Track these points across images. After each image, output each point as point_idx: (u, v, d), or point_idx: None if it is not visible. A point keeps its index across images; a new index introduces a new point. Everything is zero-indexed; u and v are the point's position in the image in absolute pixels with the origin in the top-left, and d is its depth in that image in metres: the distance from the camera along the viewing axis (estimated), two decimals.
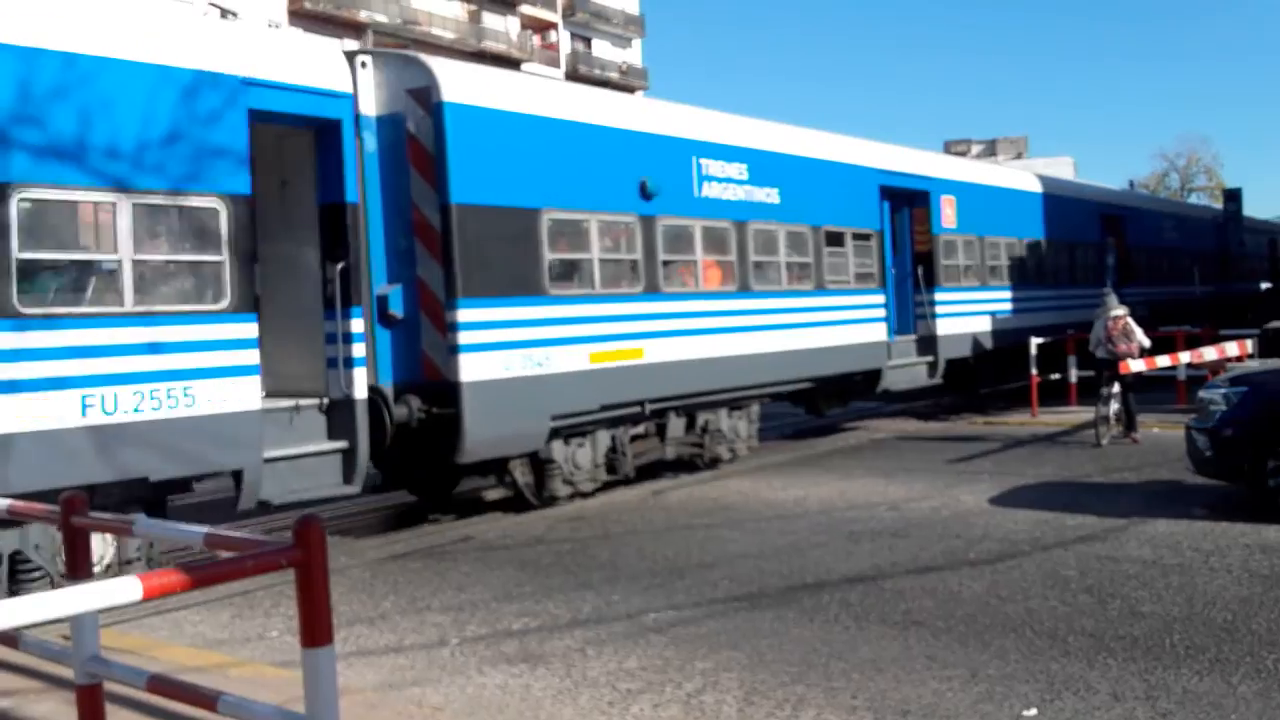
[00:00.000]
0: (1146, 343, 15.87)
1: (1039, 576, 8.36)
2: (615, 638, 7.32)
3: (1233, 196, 39.52)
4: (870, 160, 18.03)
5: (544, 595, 8.53)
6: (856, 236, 17.26)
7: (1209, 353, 16.97)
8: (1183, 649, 6.55)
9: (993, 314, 21.17)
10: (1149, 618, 7.19)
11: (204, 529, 4.36)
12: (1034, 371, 19.37)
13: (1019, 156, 79.05)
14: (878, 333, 17.55)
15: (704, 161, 14.34)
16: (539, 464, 12.27)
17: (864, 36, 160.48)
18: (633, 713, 5.94)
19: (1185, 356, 17.04)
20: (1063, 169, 56.42)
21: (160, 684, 4.62)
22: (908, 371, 18.70)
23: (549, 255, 11.95)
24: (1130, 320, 15.80)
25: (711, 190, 14.44)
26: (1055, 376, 20.14)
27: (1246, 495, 10.43)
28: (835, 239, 16.76)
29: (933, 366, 19.05)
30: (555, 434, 12.12)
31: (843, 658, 6.67)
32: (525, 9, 62.60)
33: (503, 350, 11.37)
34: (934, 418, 20.29)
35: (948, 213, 19.71)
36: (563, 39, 65.48)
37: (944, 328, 19.27)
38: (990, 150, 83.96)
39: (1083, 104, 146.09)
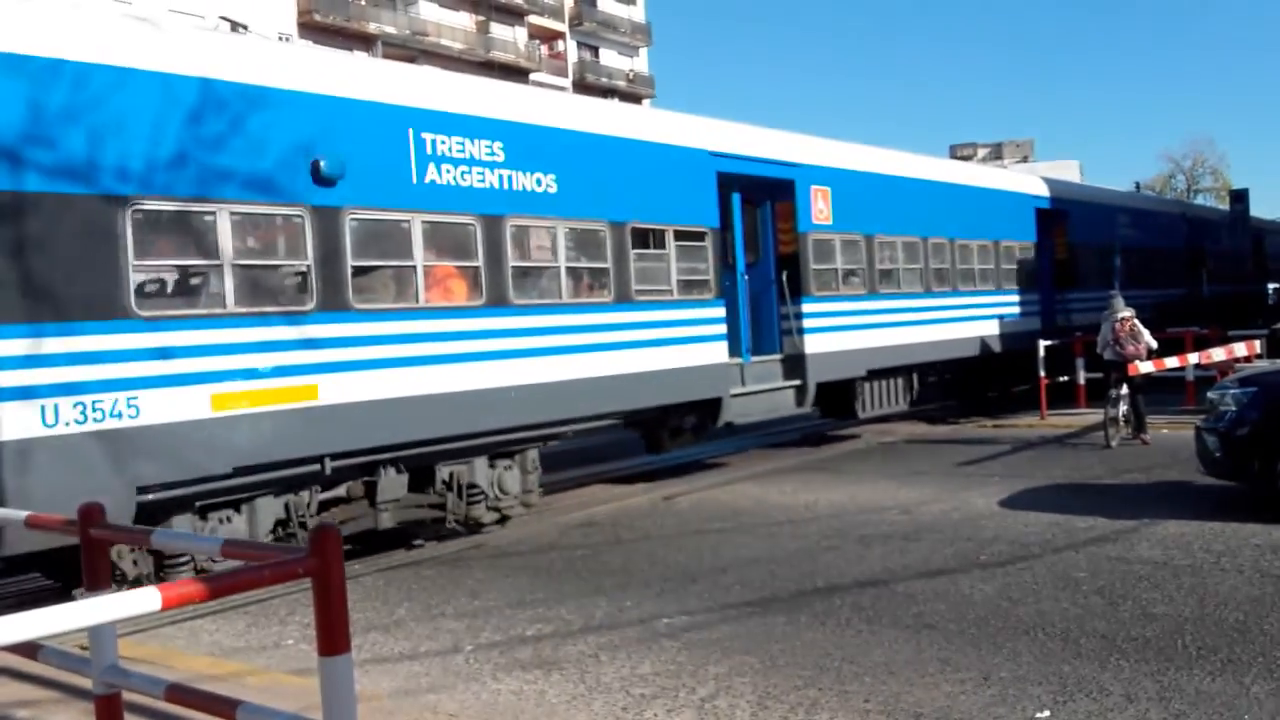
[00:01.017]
0: (1154, 344, 15.87)
1: (1050, 578, 8.38)
2: (628, 643, 7.35)
3: (1239, 197, 39.43)
4: (703, 140, 14.52)
5: (557, 601, 8.57)
6: (682, 235, 13.99)
7: (1217, 353, 16.95)
8: (1195, 650, 6.56)
9: (886, 326, 17.94)
10: (1161, 619, 7.20)
11: (220, 539, 4.41)
12: (1042, 373, 19.38)
13: (1025, 160, 79.05)
14: (714, 353, 14.34)
15: (430, 137, 10.86)
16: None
17: (870, 42, 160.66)
18: (646, 718, 5.97)
19: (1194, 358, 17.03)
20: (1069, 172, 56.41)
21: (179, 693, 4.65)
22: (763, 399, 15.45)
23: (135, 263, 8.61)
24: (1137, 322, 15.81)
25: (444, 175, 10.96)
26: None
27: (1257, 495, 10.42)
28: (646, 239, 13.70)
29: (800, 391, 15.86)
30: (171, 508, 8.98)
31: (855, 661, 6.70)
32: (533, 19, 62.85)
33: (48, 397, 8.04)
34: (942, 421, 20.28)
35: (820, 206, 16.49)
36: (570, 48, 65.65)
37: (814, 345, 16.05)
38: (996, 154, 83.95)
39: (1089, 108, 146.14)
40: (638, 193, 13.37)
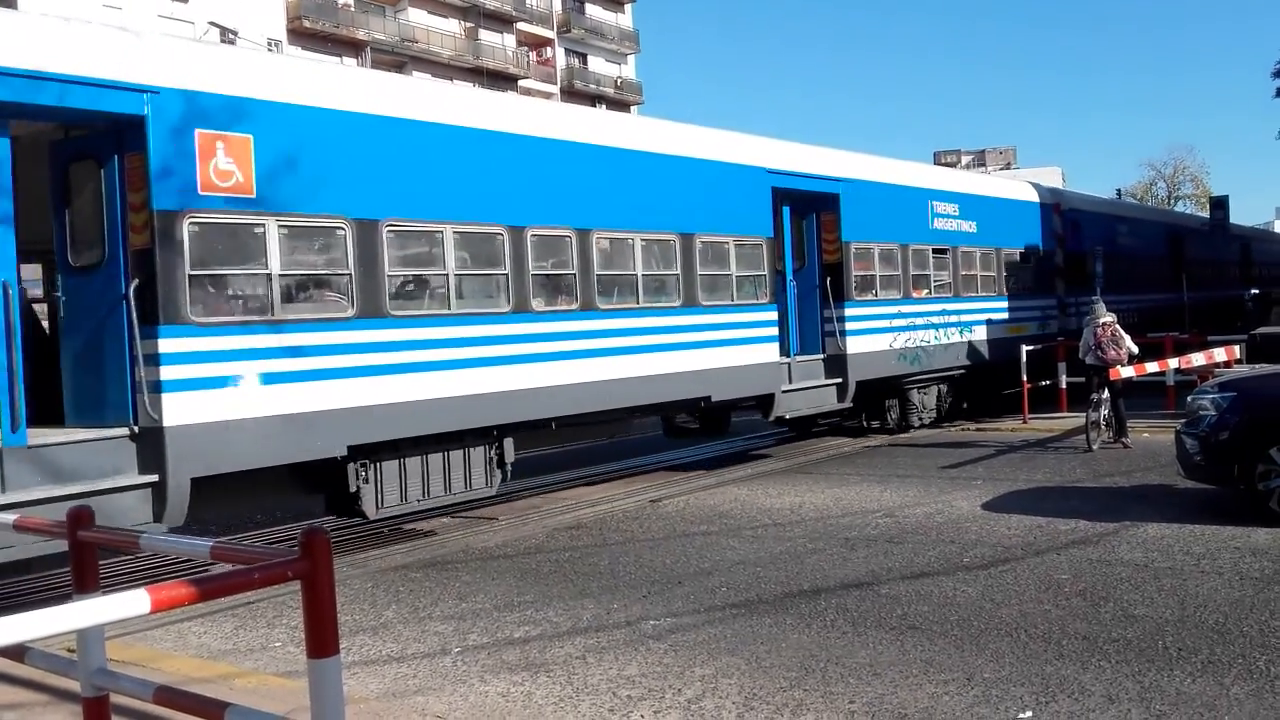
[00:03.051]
0: (1135, 349, 15.99)
1: (1032, 580, 8.45)
2: (615, 645, 7.39)
3: (1219, 204, 39.64)
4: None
5: (544, 604, 8.60)
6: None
7: (1197, 358, 17.09)
8: (1175, 651, 6.63)
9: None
10: (1142, 620, 7.28)
11: (210, 541, 4.43)
12: (1024, 378, 19.51)
13: (1007, 166, 79.46)
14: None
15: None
16: None
17: (855, 50, 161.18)
18: (633, 719, 6.01)
19: (1174, 362, 17.17)
20: (1051, 178, 56.58)
21: (167, 695, 4.67)
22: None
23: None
24: (1119, 327, 15.93)
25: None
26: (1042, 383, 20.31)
27: (1236, 499, 10.53)
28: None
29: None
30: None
31: (840, 662, 6.75)
32: (521, 26, 62.88)
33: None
34: (926, 425, 20.37)
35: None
36: (558, 55, 65.69)
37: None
38: (979, 160, 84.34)
39: (1071, 115, 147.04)
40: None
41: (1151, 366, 16.62)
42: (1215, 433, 10.46)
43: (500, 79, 55.78)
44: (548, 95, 56.26)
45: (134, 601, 3.63)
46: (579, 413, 13.31)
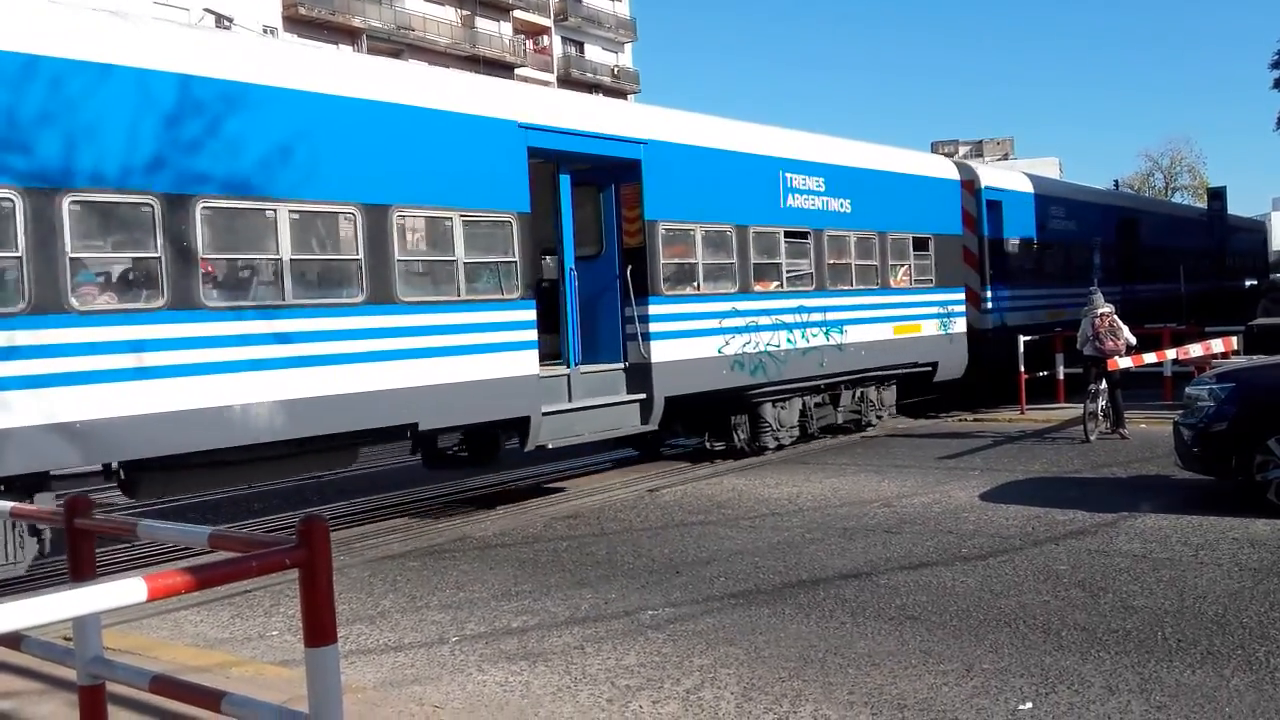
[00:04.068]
0: (1133, 340, 15.97)
1: (1031, 571, 8.44)
2: (614, 635, 7.37)
3: (1216, 195, 39.69)
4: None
5: (542, 593, 8.58)
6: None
7: (1195, 349, 17.09)
8: (1175, 642, 6.62)
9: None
10: (1141, 611, 7.27)
11: (207, 529, 4.39)
12: (1022, 368, 19.49)
13: (1005, 157, 79.49)
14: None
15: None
16: None
17: (853, 40, 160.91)
18: (632, 709, 5.99)
19: (1171, 353, 17.16)
20: (1048, 169, 56.65)
21: (163, 684, 4.64)
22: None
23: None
24: (1116, 318, 15.91)
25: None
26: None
27: (1234, 489, 10.52)
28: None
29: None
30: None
31: (839, 653, 6.73)
32: (518, 14, 62.72)
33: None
34: (923, 415, 20.38)
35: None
36: (555, 43, 65.53)
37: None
38: (977, 151, 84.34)
39: (1069, 106, 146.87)
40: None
41: (1149, 357, 16.60)
42: (1213, 423, 10.45)
43: (497, 67, 55.58)
44: (545, 84, 56.09)
45: (131, 589, 3.61)
46: (153, 455, 9.38)
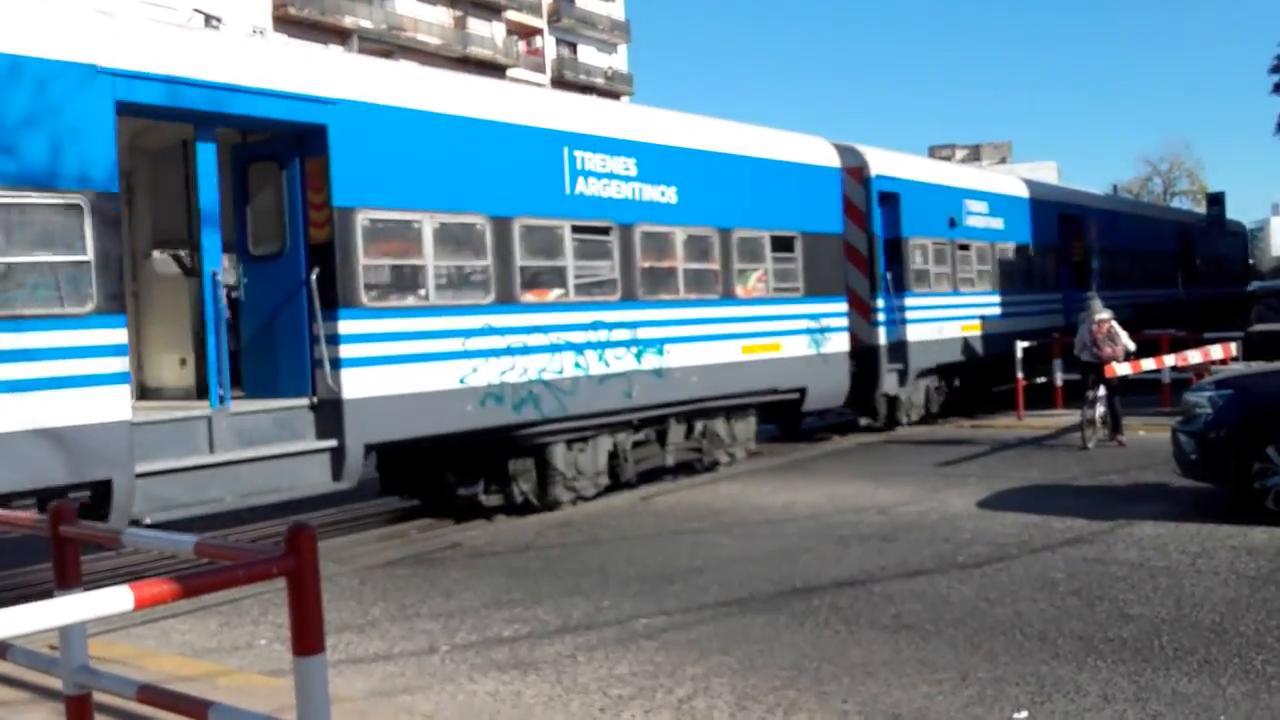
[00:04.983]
0: (1131, 346, 15.95)
1: (1027, 579, 8.39)
2: (606, 644, 7.31)
3: (1215, 200, 39.70)
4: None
5: (534, 602, 8.52)
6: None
7: (1194, 356, 17.07)
8: (1171, 651, 6.58)
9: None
10: (1137, 620, 7.22)
11: (193, 537, 4.34)
12: (1019, 374, 19.46)
13: (1003, 161, 79.61)
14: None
15: None
16: None
17: (849, 43, 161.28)
18: (624, 719, 5.93)
19: (1170, 359, 17.14)
20: (1046, 174, 56.73)
21: (150, 694, 4.60)
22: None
23: None
24: (1115, 324, 15.89)
25: None
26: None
27: (1232, 497, 10.49)
28: None
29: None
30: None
31: (834, 662, 6.68)
32: (510, 14, 62.75)
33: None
34: (920, 422, 20.33)
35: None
36: (548, 44, 65.58)
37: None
38: (975, 155, 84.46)
39: (1067, 110, 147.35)
40: None
41: (1147, 364, 16.58)
42: (1211, 430, 10.41)
43: (489, 68, 55.59)
44: (538, 85, 56.09)
45: (117, 598, 3.57)
46: None
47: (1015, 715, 5.70)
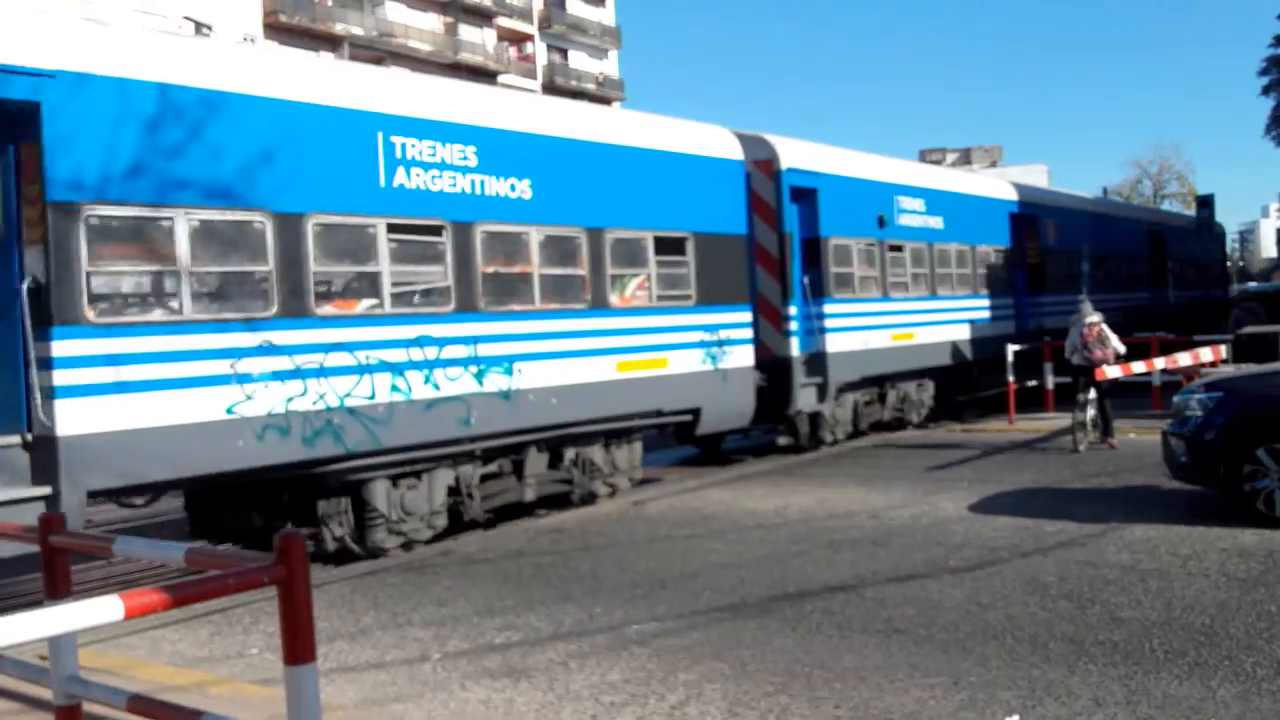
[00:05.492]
0: (1122, 349, 16.00)
1: (1019, 583, 8.41)
2: (598, 650, 7.31)
3: (1205, 203, 39.82)
4: None
5: (526, 609, 8.51)
6: None
7: (1183, 358, 17.12)
8: (1162, 653, 6.60)
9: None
10: (1128, 623, 7.24)
11: (184, 546, 4.34)
12: (1011, 379, 19.49)
13: (994, 165, 79.76)
14: None
15: None
16: None
17: (842, 50, 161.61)
18: None
19: (1160, 362, 17.19)
20: (1037, 177, 56.89)
21: (140, 704, 4.60)
22: None
23: None
24: (1105, 327, 15.94)
25: None
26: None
27: (1222, 499, 10.52)
28: None
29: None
30: None
31: (826, 667, 6.68)
32: (501, 21, 62.77)
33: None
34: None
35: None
36: (539, 51, 65.62)
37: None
38: (965, 159, 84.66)
39: (1057, 114, 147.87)
40: None
41: (1137, 367, 16.63)
42: (1201, 433, 10.44)
43: (480, 75, 55.60)
44: (529, 91, 56.13)
45: (107, 608, 3.58)
46: None
47: (1007, 719, 5.70)
